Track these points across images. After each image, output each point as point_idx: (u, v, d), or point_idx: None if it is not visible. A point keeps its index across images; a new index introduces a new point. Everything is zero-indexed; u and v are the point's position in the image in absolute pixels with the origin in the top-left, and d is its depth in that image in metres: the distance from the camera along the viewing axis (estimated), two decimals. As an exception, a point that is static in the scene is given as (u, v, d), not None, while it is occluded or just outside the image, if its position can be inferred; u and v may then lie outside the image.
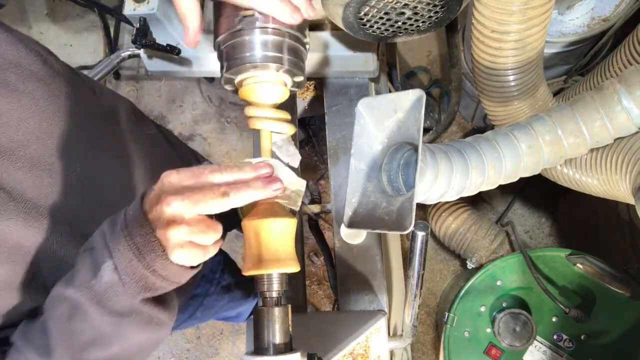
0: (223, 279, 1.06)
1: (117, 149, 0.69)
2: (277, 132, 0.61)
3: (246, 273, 0.57)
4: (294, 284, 0.89)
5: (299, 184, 0.59)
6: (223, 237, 1.03)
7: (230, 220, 0.86)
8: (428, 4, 0.72)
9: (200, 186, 0.45)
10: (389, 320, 0.91)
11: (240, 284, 1.11)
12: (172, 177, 0.46)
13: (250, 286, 1.15)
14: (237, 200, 0.46)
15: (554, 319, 1.25)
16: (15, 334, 0.52)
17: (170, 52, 0.89)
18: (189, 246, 0.46)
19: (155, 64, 0.96)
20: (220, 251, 1.12)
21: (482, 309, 1.29)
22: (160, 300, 0.50)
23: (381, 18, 0.75)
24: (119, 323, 0.47)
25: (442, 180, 0.61)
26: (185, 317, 1.00)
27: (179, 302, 0.85)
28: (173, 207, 0.44)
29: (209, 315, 1.09)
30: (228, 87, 0.62)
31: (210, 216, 0.48)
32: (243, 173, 0.48)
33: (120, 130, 0.72)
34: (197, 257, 0.47)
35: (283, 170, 0.58)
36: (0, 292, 0.52)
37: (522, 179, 0.69)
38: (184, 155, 0.92)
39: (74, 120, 0.61)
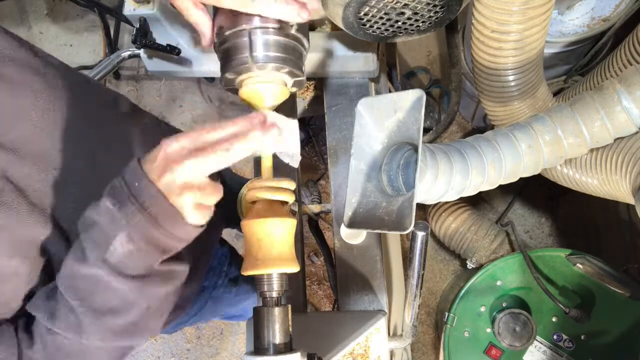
0: (230, 272, 1.06)
1: (120, 135, 0.69)
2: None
3: (246, 273, 0.57)
4: (294, 284, 0.89)
5: (291, 124, 0.58)
6: (221, 230, 1.02)
7: (229, 218, 0.87)
8: (428, 4, 0.72)
9: (201, 147, 0.47)
10: (389, 320, 0.91)
11: (246, 277, 1.11)
12: (174, 145, 0.47)
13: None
14: (239, 152, 0.48)
15: (554, 319, 1.25)
16: (40, 312, 0.53)
17: (170, 52, 0.89)
18: (199, 207, 0.49)
19: (155, 64, 0.96)
20: (227, 244, 1.12)
21: (482, 309, 1.29)
22: (174, 256, 0.54)
23: (381, 18, 0.75)
24: (141, 285, 0.51)
25: (442, 180, 0.61)
26: (194, 311, 1.00)
27: (187, 293, 0.85)
28: (183, 173, 0.46)
29: (217, 310, 1.08)
30: (228, 88, 0.62)
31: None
32: (237, 126, 0.50)
33: (121, 115, 0.72)
34: (206, 217, 0.51)
35: (274, 115, 0.57)
36: (14, 281, 0.53)
37: (522, 179, 0.69)
38: None
39: (74, 110, 0.61)
